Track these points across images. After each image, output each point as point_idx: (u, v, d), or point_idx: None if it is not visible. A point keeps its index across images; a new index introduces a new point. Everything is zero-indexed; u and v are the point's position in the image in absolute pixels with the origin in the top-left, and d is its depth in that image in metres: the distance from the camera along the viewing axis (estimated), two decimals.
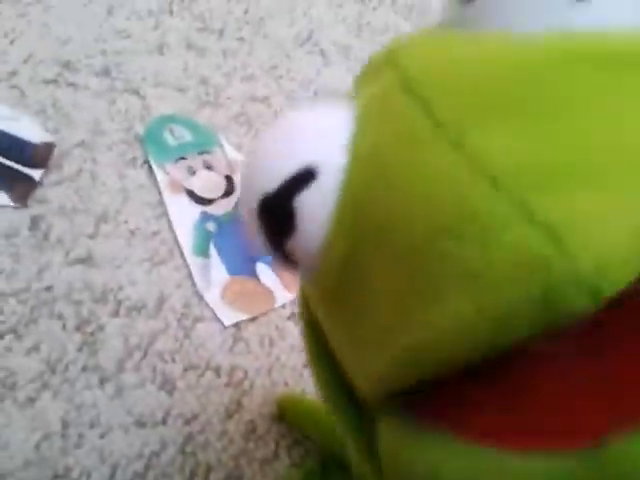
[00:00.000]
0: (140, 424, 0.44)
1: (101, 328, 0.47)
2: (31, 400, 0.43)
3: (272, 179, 0.18)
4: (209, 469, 0.44)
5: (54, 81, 0.58)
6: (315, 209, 0.18)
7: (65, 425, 0.43)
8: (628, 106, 0.16)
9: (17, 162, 0.52)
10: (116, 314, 0.48)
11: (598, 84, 0.16)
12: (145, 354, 0.47)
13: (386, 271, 0.16)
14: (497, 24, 0.18)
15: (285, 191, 0.18)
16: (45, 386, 0.44)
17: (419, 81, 0.17)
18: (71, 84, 0.58)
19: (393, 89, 0.18)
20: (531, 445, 0.16)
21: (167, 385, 0.46)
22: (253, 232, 0.19)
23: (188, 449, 0.44)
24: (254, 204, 0.18)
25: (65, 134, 0.55)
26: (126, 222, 0.52)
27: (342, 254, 0.18)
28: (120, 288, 0.49)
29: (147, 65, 0.62)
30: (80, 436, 0.43)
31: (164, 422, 0.45)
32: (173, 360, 0.48)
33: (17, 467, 0.41)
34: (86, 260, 0.50)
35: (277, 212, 0.18)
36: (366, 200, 0.17)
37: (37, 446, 0.41)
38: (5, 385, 0.43)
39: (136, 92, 0.60)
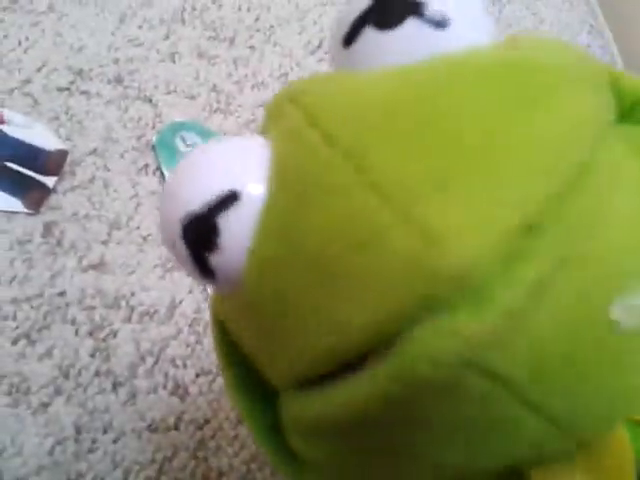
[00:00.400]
0: (152, 429, 0.44)
1: (114, 334, 0.47)
2: (44, 405, 0.43)
3: (197, 200, 0.20)
4: (221, 474, 0.44)
5: (67, 89, 0.58)
6: (237, 227, 0.20)
7: (78, 430, 0.43)
8: (496, 114, 0.18)
9: (31, 169, 0.52)
10: (128, 320, 0.48)
11: (470, 96, 0.19)
12: (157, 360, 0.47)
13: (301, 282, 0.18)
14: (376, 62, 0.21)
15: (209, 210, 0.20)
16: (58, 391, 0.44)
17: (321, 116, 0.19)
18: (84, 92, 0.59)
19: (300, 124, 0.20)
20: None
21: (179, 390, 0.47)
22: (175, 250, 0.21)
23: (200, 454, 0.44)
24: (178, 224, 0.20)
25: (78, 142, 0.56)
26: (138, 228, 0.53)
27: (263, 269, 0.19)
28: (132, 294, 0.49)
29: (159, 73, 0.63)
30: (93, 441, 0.43)
31: (176, 427, 0.45)
32: (185, 366, 0.48)
33: (31, 472, 0.41)
34: (99, 266, 0.50)
35: (201, 229, 0.20)
36: (282, 221, 0.19)
37: (50, 451, 0.42)
38: (19, 390, 0.43)
39: (148, 100, 0.60)
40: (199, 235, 0.20)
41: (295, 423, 0.21)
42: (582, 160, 0.18)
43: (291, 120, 0.20)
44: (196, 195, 0.20)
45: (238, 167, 0.20)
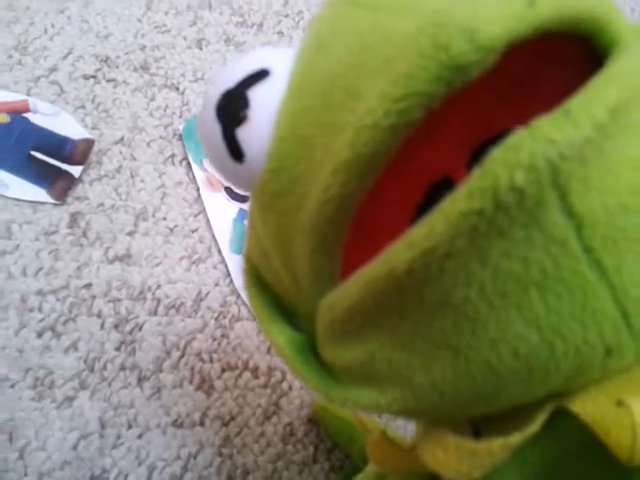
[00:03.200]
0: (178, 425, 0.44)
1: (139, 327, 0.47)
2: (69, 399, 0.43)
3: (232, 79, 0.21)
4: (246, 472, 0.43)
5: (93, 77, 0.57)
6: (266, 99, 0.21)
7: (103, 425, 0.42)
8: None
9: (56, 159, 0.51)
10: (154, 312, 0.48)
11: None
12: (183, 353, 0.47)
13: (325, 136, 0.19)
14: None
15: (241, 84, 0.21)
16: (83, 385, 0.43)
17: None
18: (110, 80, 0.58)
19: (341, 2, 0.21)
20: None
21: (205, 385, 0.46)
22: (210, 133, 0.22)
23: (225, 451, 0.44)
24: (214, 102, 0.22)
25: (104, 130, 0.55)
26: (165, 219, 0.52)
27: (288, 141, 0.21)
28: (158, 286, 0.49)
29: (186, 60, 0.61)
30: (118, 436, 0.42)
31: (202, 423, 0.44)
32: (211, 360, 0.47)
33: (55, 467, 0.40)
34: (125, 257, 0.49)
35: (233, 100, 0.21)
36: (305, 82, 0.21)
37: (75, 446, 0.41)
38: (43, 384, 0.43)
39: (175, 87, 0.59)
40: (230, 106, 0.21)
41: (334, 316, 0.21)
42: None
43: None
44: (231, 75, 0.22)
45: (270, 53, 0.22)
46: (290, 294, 0.24)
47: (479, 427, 0.22)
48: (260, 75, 0.21)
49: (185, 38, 0.63)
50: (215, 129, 0.22)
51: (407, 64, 0.17)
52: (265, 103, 0.21)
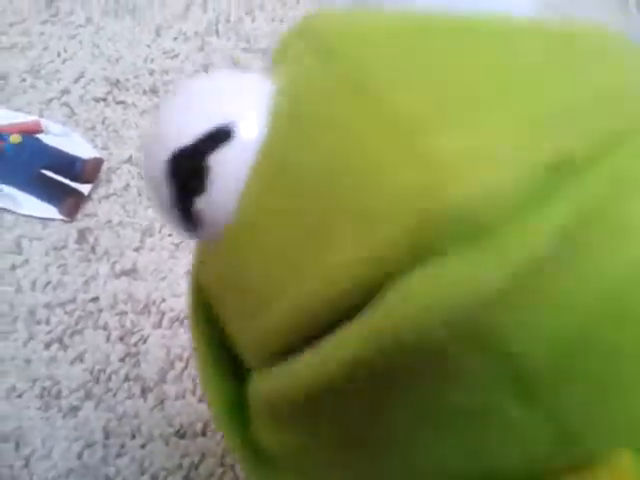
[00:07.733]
0: (180, 435, 0.44)
1: (144, 339, 0.48)
2: (75, 409, 0.44)
3: (185, 135, 0.17)
4: None
5: (104, 99, 0.59)
6: (231, 168, 0.17)
7: (107, 435, 0.43)
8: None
9: (67, 177, 0.53)
10: (159, 325, 0.49)
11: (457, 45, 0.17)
12: (186, 365, 0.47)
13: (287, 221, 0.16)
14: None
15: (199, 148, 0.17)
16: (88, 396, 0.44)
17: (324, 39, 0.18)
18: (120, 102, 0.60)
19: (310, 54, 0.18)
20: None
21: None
22: (157, 193, 0.18)
23: (227, 461, 0.44)
24: (162, 161, 0.18)
25: (114, 150, 0.56)
26: (170, 235, 0.53)
27: (254, 213, 0.17)
28: (163, 300, 0.50)
29: None
30: (121, 446, 0.43)
31: (204, 433, 0.45)
32: None
33: (60, 475, 0.41)
34: (131, 272, 0.50)
35: (189, 170, 0.17)
36: (278, 162, 0.17)
37: (79, 455, 0.42)
38: (50, 394, 0.44)
39: None
40: (187, 175, 0.17)
41: (262, 403, 0.18)
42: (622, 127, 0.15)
43: (300, 50, 0.18)
44: (185, 130, 0.17)
45: (233, 100, 0.18)
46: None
47: None
48: (221, 136, 0.17)
49: (193, 63, 0.65)
50: (166, 191, 0.18)
51: (386, 237, 0.14)
52: (231, 172, 0.17)
